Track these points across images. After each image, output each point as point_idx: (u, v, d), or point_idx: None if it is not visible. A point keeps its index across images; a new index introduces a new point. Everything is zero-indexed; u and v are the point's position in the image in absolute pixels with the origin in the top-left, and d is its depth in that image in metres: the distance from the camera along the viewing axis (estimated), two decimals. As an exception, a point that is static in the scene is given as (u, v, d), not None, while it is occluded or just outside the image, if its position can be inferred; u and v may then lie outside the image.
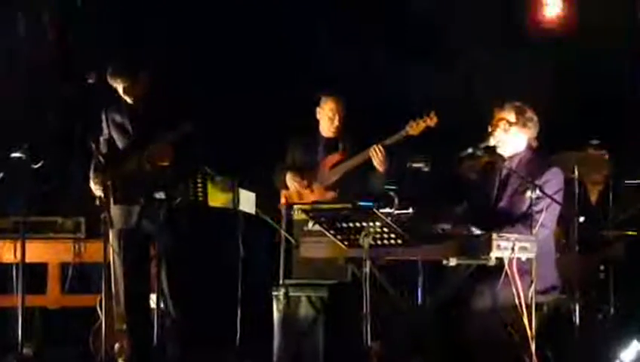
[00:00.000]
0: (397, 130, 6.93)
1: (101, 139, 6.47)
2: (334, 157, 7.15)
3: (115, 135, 6.49)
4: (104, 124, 6.49)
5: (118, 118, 6.47)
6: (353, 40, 8.39)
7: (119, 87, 6.33)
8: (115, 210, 6.27)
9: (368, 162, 6.94)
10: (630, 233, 6.85)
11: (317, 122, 7.26)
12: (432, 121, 6.84)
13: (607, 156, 6.98)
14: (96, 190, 6.31)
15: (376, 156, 6.89)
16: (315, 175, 7.16)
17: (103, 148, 6.38)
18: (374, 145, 6.89)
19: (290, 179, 7.19)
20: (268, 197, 7.18)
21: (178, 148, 6.25)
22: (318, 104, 7.24)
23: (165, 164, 6.24)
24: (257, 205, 6.62)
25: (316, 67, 8.23)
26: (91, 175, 6.38)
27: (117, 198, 6.23)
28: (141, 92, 6.36)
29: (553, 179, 5.59)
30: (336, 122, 7.16)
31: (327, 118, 7.18)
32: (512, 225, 5.44)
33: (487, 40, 8.06)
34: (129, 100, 6.38)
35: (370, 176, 6.95)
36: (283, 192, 7.25)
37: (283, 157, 7.35)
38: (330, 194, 7.05)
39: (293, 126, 7.44)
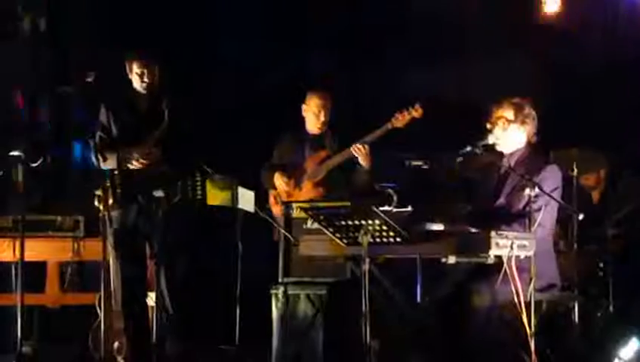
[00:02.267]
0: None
1: (97, 133, 6.49)
2: (322, 153, 7.17)
3: (114, 129, 6.51)
4: (103, 117, 6.52)
5: (118, 113, 6.51)
6: (350, 38, 8.41)
7: (142, 70, 6.42)
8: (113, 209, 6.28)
9: (354, 158, 6.97)
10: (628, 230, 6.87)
11: (303, 120, 7.27)
12: (417, 112, 6.89)
13: (604, 155, 7.00)
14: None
15: (359, 153, 6.92)
16: (301, 174, 7.17)
17: (99, 139, 6.42)
18: (358, 143, 6.91)
19: (277, 179, 7.19)
20: (266, 196, 7.21)
21: (170, 146, 6.29)
22: (303, 101, 7.26)
23: (146, 164, 6.28)
24: (256, 203, 6.62)
25: (310, 65, 8.25)
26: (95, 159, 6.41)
27: (115, 198, 6.23)
28: (155, 81, 6.44)
29: (550, 177, 5.58)
30: (322, 118, 7.17)
31: (312, 114, 7.19)
32: (509, 224, 5.44)
33: (486, 37, 8.06)
34: (143, 88, 6.45)
35: (355, 172, 6.99)
36: (271, 192, 7.26)
37: (270, 156, 7.36)
38: (319, 191, 7.08)
39: (280, 125, 7.46)
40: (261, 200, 6.91)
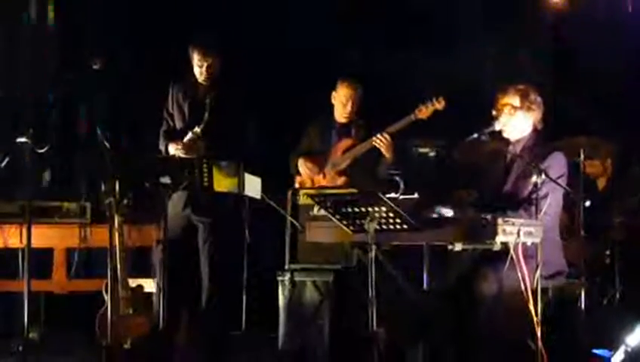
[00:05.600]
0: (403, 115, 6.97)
1: (165, 115, 6.59)
2: (347, 142, 7.17)
3: (174, 113, 6.59)
4: (170, 98, 6.58)
5: (180, 98, 6.57)
6: (360, 26, 8.40)
7: (201, 63, 6.42)
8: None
9: (377, 149, 6.97)
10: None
11: (332, 106, 7.28)
12: (440, 104, 6.91)
13: (611, 143, 6.99)
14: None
15: (381, 144, 6.92)
16: (326, 160, 7.18)
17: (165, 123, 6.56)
18: (378, 134, 6.92)
19: (301, 165, 7.21)
20: (274, 182, 7.20)
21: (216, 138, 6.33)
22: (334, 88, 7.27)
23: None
24: (263, 190, 6.63)
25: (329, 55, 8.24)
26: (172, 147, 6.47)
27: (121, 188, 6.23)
28: (215, 74, 6.47)
29: (555, 164, 5.56)
30: (349, 107, 7.18)
31: (340, 103, 7.20)
32: (515, 211, 5.43)
33: (493, 25, 8.05)
34: (204, 79, 6.47)
35: (378, 163, 6.99)
36: (297, 178, 7.28)
37: (298, 141, 7.37)
38: (342, 179, 7.09)
39: (310, 111, 7.46)
40: (290, 186, 6.93)
